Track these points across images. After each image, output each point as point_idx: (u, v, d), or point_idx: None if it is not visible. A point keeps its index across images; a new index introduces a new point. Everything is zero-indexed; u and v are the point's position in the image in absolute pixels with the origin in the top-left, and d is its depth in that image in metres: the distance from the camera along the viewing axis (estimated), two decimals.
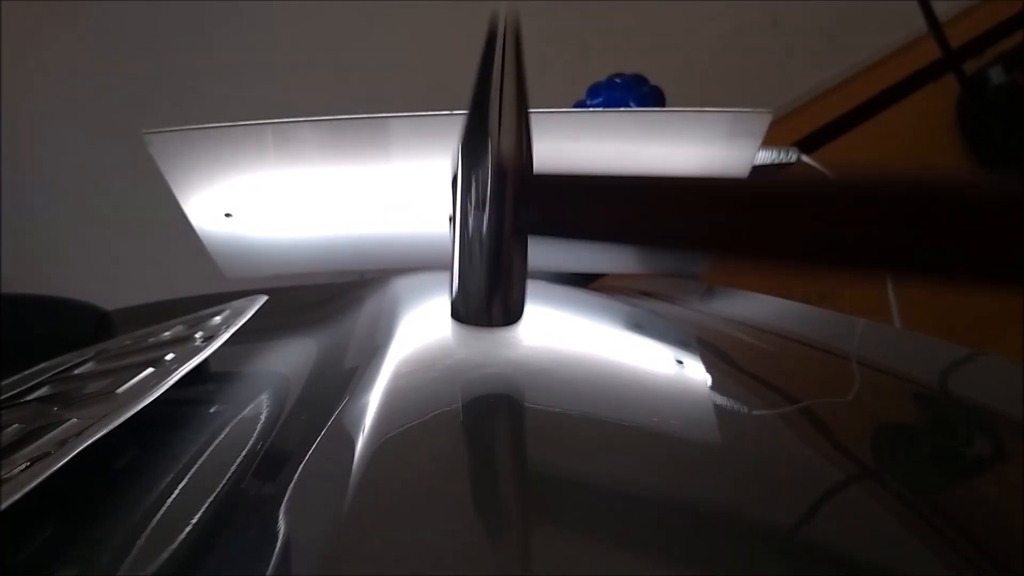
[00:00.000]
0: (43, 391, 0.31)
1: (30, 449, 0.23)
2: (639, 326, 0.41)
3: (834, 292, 0.78)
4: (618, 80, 0.68)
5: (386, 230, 0.51)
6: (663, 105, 0.67)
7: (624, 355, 0.33)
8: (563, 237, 0.27)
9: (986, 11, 0.94)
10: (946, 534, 0.21)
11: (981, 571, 0.20)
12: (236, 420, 0.29)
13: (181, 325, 0.36)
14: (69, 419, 0.25)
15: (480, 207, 0.26)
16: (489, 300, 0.27)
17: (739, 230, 0.23)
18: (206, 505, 0.23)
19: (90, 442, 0.22)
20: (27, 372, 0.34)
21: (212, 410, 0.31)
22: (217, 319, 0.35)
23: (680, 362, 0.33)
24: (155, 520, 0.23)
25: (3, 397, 0.31)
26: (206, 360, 0.30)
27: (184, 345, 0.31)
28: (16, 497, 0.19)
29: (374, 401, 0.25)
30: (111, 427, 0.23)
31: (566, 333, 0.36)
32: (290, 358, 0.37)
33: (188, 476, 0.25)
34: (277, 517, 0.21)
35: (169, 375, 0.27)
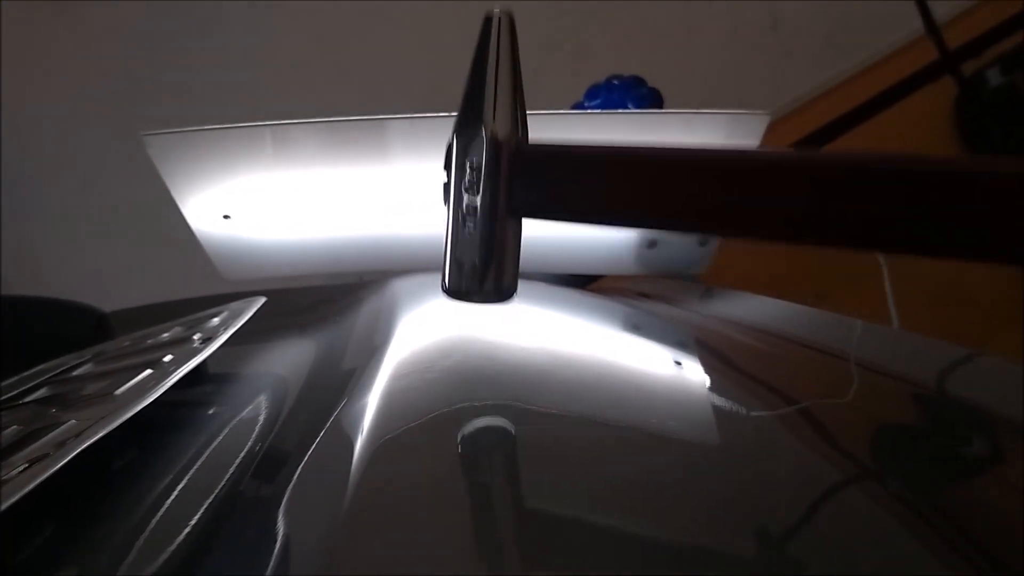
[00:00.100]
0: (42, 392, 0.31)
1: (29, 450, 0.23)
2: (637, 327, 0.41)
3: (832, 292, 0.78)
4: (616, 82, 0.68)
5: (385, 232, 0.51)
6: (661, 107, 0.67)
7: (622, 357, 0.33)
8: (559, 210, 0.26)
9: (984, 13, 0.94)
10: (945, 534, 0.21)
11: (981, 571, 0.20)
12: (235, 421, 0.29)
13: (179, 327, 0.36)
14: (68, 420, 0.25)
15: (475, 179, 0.26)
16: (483, 274, 0.26)
17: (738, 201, 0.22)
18: (205, 506, 0.23)
19: (89, 443, 0.22)
20: (26, 373, 0.34)
21: (211, 411, 0.31)
22: (215, 320, 0.35)
23: (679, 363, 0.33)
24: (154, 521, 0.23)
25: (2, 399, 0.31)
26: (204, 361, 0.30)
27: (182, 346, 0.31)
28: (15, 498, 0.19)
29: (373, 402, 0.25)
30: (110, 428, 0.23)
31: (564, 335, 0.36)
32: (289, 359, 0.37)
33: (187, 477, 0.25)
34: (276, 518, 0.21)
35: (167, 376, 0.27)
